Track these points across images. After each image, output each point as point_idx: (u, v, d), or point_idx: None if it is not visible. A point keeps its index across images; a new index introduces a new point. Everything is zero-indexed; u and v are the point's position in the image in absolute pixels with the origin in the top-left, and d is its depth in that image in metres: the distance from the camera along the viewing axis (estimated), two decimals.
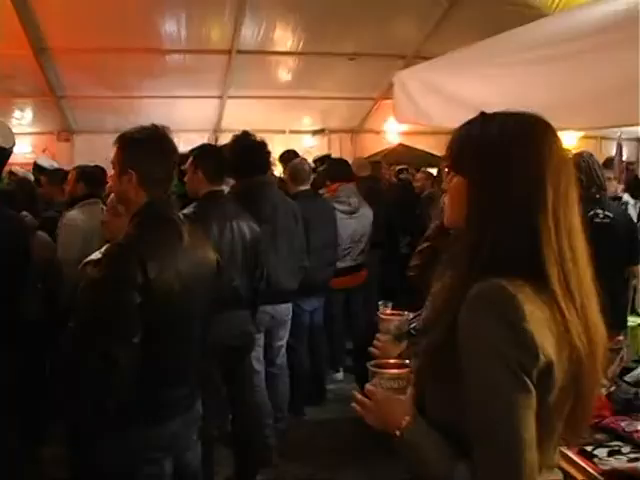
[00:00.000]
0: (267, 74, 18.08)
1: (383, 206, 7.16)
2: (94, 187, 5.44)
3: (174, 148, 3.23)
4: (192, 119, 20.05)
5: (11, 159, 16.44)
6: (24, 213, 4.95)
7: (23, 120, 20.42)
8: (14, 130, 16.96)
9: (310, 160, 21.04)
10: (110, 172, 12.73)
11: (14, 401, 4.16)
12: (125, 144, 3.17)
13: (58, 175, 6.01)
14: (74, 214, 5.06)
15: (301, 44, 16.85)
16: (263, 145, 4.93)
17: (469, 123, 2.14)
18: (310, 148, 21.45)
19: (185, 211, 3.94)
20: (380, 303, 4.98)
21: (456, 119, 4.88)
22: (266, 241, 4.40)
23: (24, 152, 21.02)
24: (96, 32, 15.45)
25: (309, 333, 5.90)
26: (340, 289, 6.30)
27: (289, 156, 8.77)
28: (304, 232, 5.19)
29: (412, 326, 4.59)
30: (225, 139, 20.01)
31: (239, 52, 16.68)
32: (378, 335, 2.44)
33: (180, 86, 18.24)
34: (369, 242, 6.52)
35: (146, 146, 3.12)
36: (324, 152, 21.57)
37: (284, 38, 16.65)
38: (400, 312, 2.45)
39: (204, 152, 4.51)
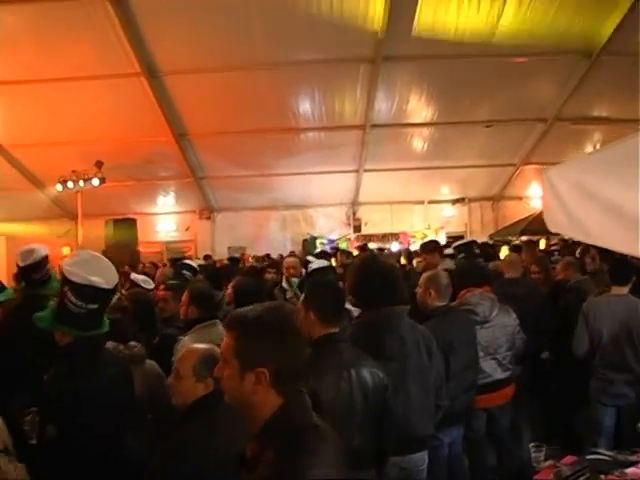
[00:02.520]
0: (402, 146, 17.88)
1: (529, 312, 6.29)
2: (208, 309, 5.11)
3: (303, 330, 2.49)
4: (329, 194, 20.30)
5: (157, 237, 17.39)
6: (133, 343, 4.64)
7: (167, 201, 21.27)
8: (159, 210, 18.05)
9: (444, 235, 20.78)
10: (250, 251, 12.65)
11: None
12: (246, 331, 2.33)
13: (181, 292, 5.70)
14: (188, 340, 4.73)
15: (436, 114, 16.62)
16: (391, 270, 4.29)
17: None
18: (450, 218, 21.06)
19: None
20: (532, 447, 4.29)
21: (615, 238, 4.12)
22: (394, 383, 3.81)
23: (168, 230, 21.95)
24: (232, 116, 15.97)
25: (448, 467, 5.13)
26: (480, 408, 5.55)
27: (432, 247, 8.15)
28: (443, 356, 4.58)
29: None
30: (364, 212, 20.36)
31: (373, 126, 16.65)
32: None
33: (316, 162, 18.40)
34: (513, 355, 5.76)
35: (275, 332, 2.33)
36: (464, 221, 21.22)
37: (418, 109, 16.43)
38: None
39: (315, 290, 3.94)
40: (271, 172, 19.13)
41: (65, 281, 3.57)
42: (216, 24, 12.83)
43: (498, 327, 5.62)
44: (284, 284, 7.26)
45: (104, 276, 3.67)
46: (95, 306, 3.61)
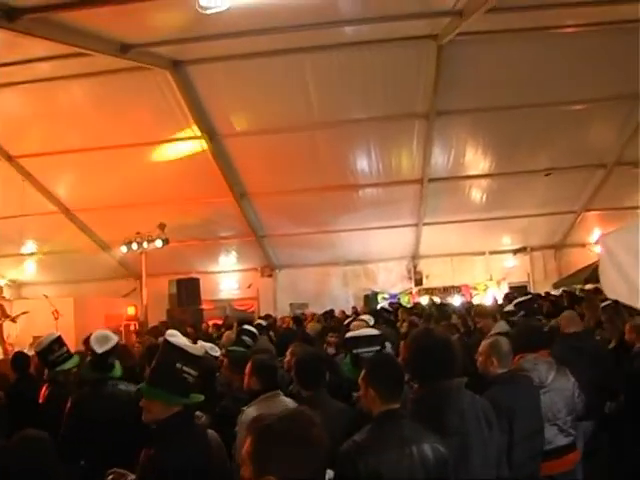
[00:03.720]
0: (461, 198, 17.89)
1: (591, 369, 6.10)
2: (269, 380, 5.17)
3: (322, 439, 2.36)
4: (389, 248, 20.35)
5: (219, 295, 17.74)
6: (199, 413, 4.71)
7: (229, 259, 21.64)
8: (221, 269, 18.50)
9: (506, 286, 20.50)
10: (312, 307, 12.69)
11: None
12: (260, 438, 2.35)
13: (239, 361, 5.80)
14: (252, 411, 4.77)
15: (493, 165, 16.62)
16: (446, 344, 4.25)
17: None
18: (511, 268, 20.80)
19: (356, 437, 3.53)
20: None
21: None
22: (455, 457, 3.76)
23: (231, 288, 22.22)
24: (291, 175, 16.31)
25: None
26: (545, 476, 5.37)
27: (486, 310, 8.07)
28: (507, 424, 4.52)
29: None
30: (424, 265, 20.30)
31: (431, 180, 16.70)
32: None
33: (375, 217, 18.54)
34: (573, 419, 5.57)
35: (288, 442, 2.31)
36: (526, 271, 20.94)
37: (475, 161, 16.48)
38: None
39: (376, 366, 3.96)
40: (331, 229, 19.36)
41: (179, 356, 3.82)
42: (272, 87, 13.28)
43: (556, 392, 5.47)
44: None
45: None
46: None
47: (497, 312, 8.75)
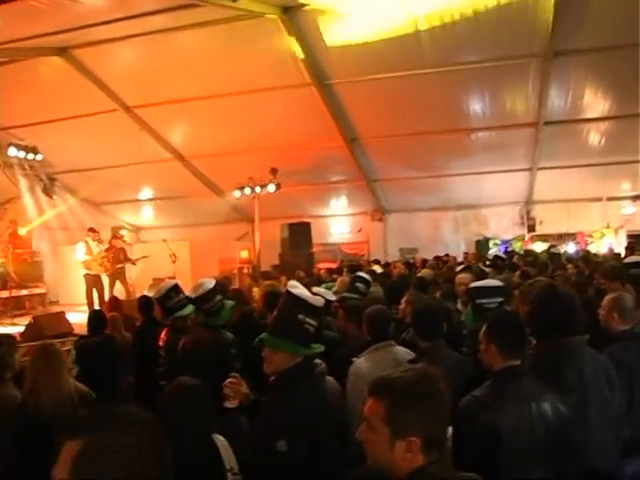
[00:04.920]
0: (578, 142, 17.14)
1: None
2: (381, 332, 5.22)
3: (448, 394, 2.41)
4: (501, 193, 19.93)
5: (330, 239, 17.90)
6: (318, 361, 4.81)
7: (339, 203, 21.81)
8: (331, 213, 18.61)
9: (624, 235, 19.77)
10: (422, 253, 12.62)
11: None
12: (396, 400, 2.33)
13: (353, 310, 5.85)
14: (361, 362, 4.88)
15: (613, 107, 15.79)
16: (570, 301, 4.13)
17: None
18: (630, 216, 19.90)
19: (476, 392, 3.56)
20: None
21: None
22: (574, 416, 3.71)
23: (341, 232, 22.41)
24: (401, 119, 16.15)
25: None
26: None
27: (614, 272, 7.34)
28: (627, 382, 4.40)
29: None
30: (538, 211, 19.73)
31: (546, 123, 16.09)
32: None
33: (486, 162, 18.16)
34: None
35: (424, 400, 2.33)
36: None
37: (594, 103, 15.73)
38: None
39: (498, 322, 3.91)
40: (442, 173, 19.14)
41: (301, 308, 3.85)
42: (382, 30, 12.97)
43: None
44: (459, 305, 7.00)
45: None
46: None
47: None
